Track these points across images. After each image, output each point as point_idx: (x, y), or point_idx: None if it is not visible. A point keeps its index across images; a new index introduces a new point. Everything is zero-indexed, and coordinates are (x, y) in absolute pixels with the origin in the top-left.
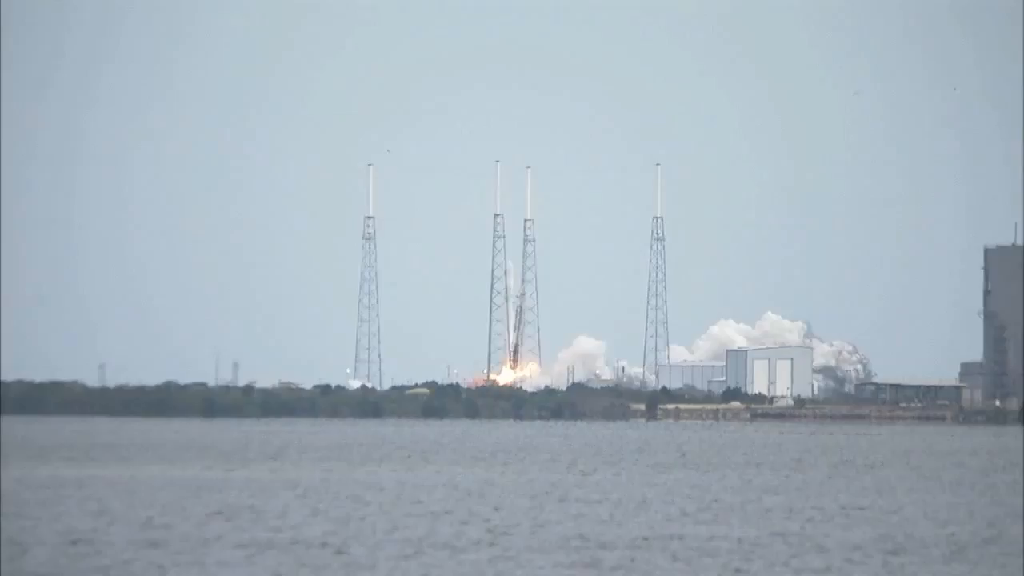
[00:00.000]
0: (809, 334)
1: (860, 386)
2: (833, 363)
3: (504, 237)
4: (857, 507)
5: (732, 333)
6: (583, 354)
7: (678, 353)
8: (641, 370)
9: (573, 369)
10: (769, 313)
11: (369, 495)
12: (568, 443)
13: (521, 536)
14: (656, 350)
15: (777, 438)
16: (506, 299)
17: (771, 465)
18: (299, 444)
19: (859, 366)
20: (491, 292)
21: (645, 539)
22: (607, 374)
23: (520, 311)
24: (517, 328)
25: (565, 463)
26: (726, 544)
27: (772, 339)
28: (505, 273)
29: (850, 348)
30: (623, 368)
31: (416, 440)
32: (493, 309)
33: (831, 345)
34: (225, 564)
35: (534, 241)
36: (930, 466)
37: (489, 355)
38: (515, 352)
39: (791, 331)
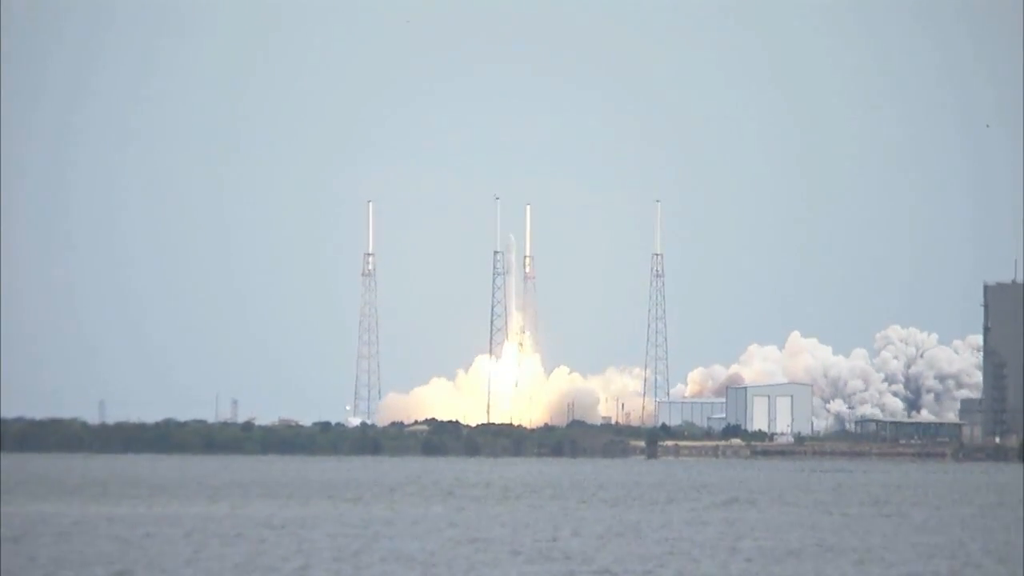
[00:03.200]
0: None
1: (860, 422)
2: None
3: (504, 275)
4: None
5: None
6: (621, 386)
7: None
8: (640, 406)
9: (572, 406)
10: (796, 332)
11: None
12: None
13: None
14: (656, 386)
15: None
16: (503, 271)
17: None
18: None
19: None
20: (491, 328)
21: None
22: (643, 406)
23: (521, 346)
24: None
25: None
26: None
27: (803, 370)
28: (507, 249)
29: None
30: (622, 405)
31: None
32: (493, 347)
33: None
34: None
35: (534, 278)
36: (933, 503)
37: (489, 390)
38: (519, 330)
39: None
